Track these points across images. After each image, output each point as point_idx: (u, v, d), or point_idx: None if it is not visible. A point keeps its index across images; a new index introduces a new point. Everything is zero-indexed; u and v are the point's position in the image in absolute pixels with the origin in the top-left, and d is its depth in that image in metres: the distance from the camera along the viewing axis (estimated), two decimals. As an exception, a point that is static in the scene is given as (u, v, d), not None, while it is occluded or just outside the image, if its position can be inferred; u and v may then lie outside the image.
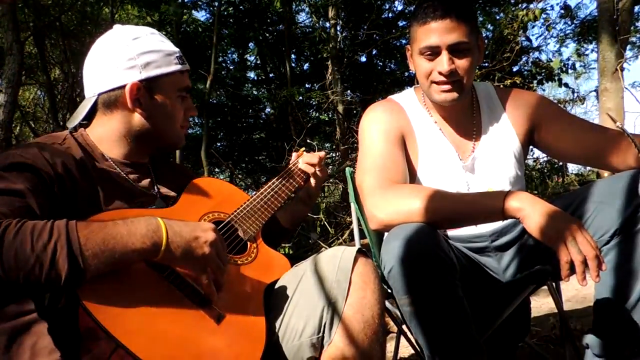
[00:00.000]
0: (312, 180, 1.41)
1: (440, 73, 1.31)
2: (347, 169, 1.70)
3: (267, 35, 9.64)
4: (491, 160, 1.39)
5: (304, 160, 1.39)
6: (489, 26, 8.00)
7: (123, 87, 1.10)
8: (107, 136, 1.14)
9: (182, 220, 0.96)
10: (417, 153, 1.39)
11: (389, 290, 1.19)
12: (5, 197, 0.87)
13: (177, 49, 1.19)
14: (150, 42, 1.14)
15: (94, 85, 1.13)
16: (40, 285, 0.79)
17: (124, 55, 1.11)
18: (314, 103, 8.84)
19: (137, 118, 1.13)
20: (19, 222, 0.81)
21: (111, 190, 1.06)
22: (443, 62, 1.29)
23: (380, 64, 10.42)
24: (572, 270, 1.01)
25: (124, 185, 1.10)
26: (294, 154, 1.45)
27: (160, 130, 1.16)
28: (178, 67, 1.16)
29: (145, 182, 1.16)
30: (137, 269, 0.90)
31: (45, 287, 0.80)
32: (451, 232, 1.40)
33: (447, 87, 1.32)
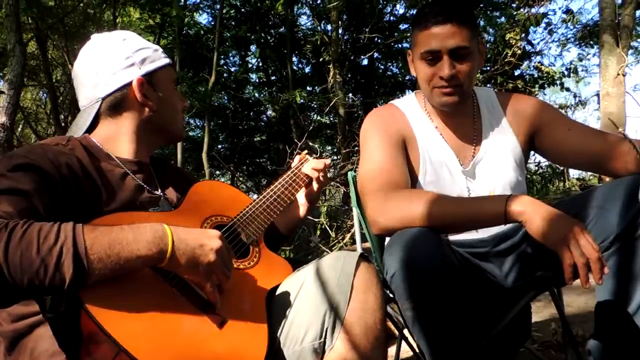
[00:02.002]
0: (314, 186, 1.41)
1: (441, 78, 1.31)
2: (349, 172, 1.70)
3: (269, 38, 9.65)
4: (492, 165, 1.39)
5: (310, 166, 1.39)
6: (490, 30, 8.01)
7: (128, 85, 1.13)
8: (115, 136, 1.15)
9: (185, 224, 0.96)
10: (418, 158, 1.39)
11: (391, 295, 1.19)
12: (11, 196, 0.87)
13: (158, 47, 1.25)
14: (138, 40, 1.20)
15: (94, 91, 1.14)
16: (44, 288, 0.78)
17: (120, 56, 1.14)
18: (315, 106, 8.85)
19: (146, 112, 1.17)
20: (26, 223, 0.81)
21: (115, 190, 1.06)
22: (444, 67, 1.29)
23: (382, 67, 10.43)
24: (575, 273, 1.01)
25: (129, 184, 1.10)
26: (297, 157, 1.45)
27: (168, 122, 1.22)
28: (167, 60, 1.22)
29: (149, 181, 1.17)
30: (140, 272, 0.90)
31: (48, 290, 0.80)
32: (452, 238, 1.40)
33: (448, 90, 1.32)
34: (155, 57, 1.19)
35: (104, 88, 1.13)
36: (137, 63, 1.14)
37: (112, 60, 1.13)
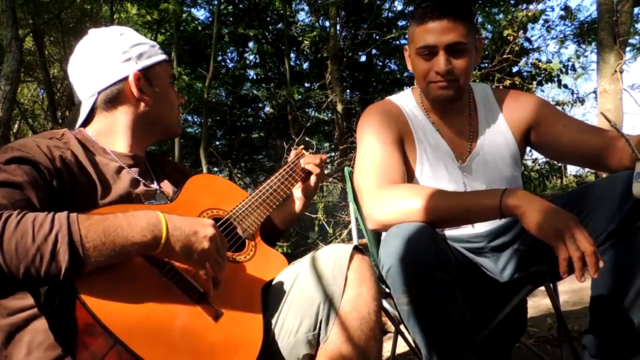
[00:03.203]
0: (311, 180, 1.41)
1: (437, 73, 1.31)
2: (345, 168, 1.70)
3: (267, 34, 9.63)
4: (488, 161, 1.40)
5: (306, 161, 1.39)
6: (488, 27, 8.01)
7: (124, 79, 1.13)
8: (110, 130, 1.15)
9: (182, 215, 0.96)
10: (414, 154, 1.40)
11: (387, 290, 1.19)
12: (5, 189, 0.87)
13: (155, 43, 1.25)
14: (135, 36, 1.20)
15: (90, 85, 1.14)
16: (40, 277, 0.78)
17: (117, 50, 1.14)
18: (313, 102, 8.84)
19: (142, 107, 1.17)
20: (20, 213, 0.81)
21: (111, 183, 1.06)
22: (440, 62, 1.29)
23: (380, 63, 10.42)
24: (570, 267, 1.01)
25: (125, 178, 1.10)
26: (293, 152, 1.45)
27: (164, 117, 1.22)
28: (164, 56, 1.22)
29: (145, 175, 1.18)
30: (135, 264, 0.90)
31: (44, 280, 0.80)
32: (448, 232, 1.40)
33: (444, 84, 1.32)
34: (152, 52, 1.19)
35: (101, 82, 1.13)
36: (133, 58, 1.15)
37: (109, 55, 1.13)
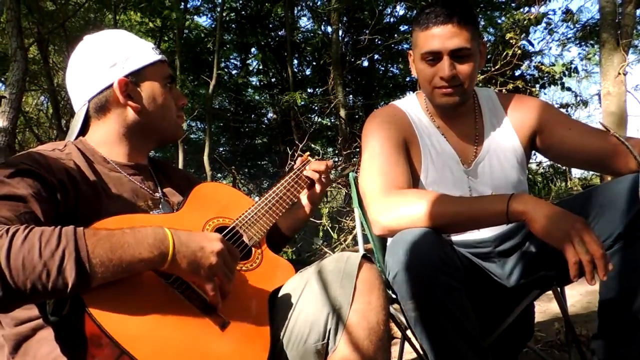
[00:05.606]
0: (317, 187, 1.41)
1: (441, 78, 1.31)
2: (350, 173, 1.70)
3: (270, 40, 9.67)
4: (493, 165, 1.40)
5: (312, 168, 1.38)
6: (490, 30, 8.01)
7: (111, 86, 1.11)
8: (106, 139, 1.14)
9: (187, 226, 0.96)
10: (420, 159, 1.39)
11: (394, 296, 1.19)
12: (9, 202, 0.87)
13: (150, 43, 1.21)
14: (124, 39, 1.17)
15: (81, 94, 1.13)
16: (47, 292, 0.78)
17: (103, 56, 1.12)
18: (316, 108, 8.86)
19: (131, 113, 1.14)
20: (27, 227, 0.80)
21: (114, 193, 1.06)
22: (444, 68, 1.30)
23: (382, 68, 10.44)
24: (580, 270, 1.00)
25: (127, 187, 1.10)
26: (299, 159, 1.45)
27: (157, 121, 1.18)
28: (157, 57, 1.18)
29: (148, 184, 1.17)
30: (143, 275, 0.90)
31: (51, 295, 0.80)
32: (455, 238, 1.40)
33: (449, 90, 1.32)
34: (142, 54, 1.15)
35: (90, 90, 1.12)
36: (120, 62, 1.12)
37: (96, 61, 1.12)
